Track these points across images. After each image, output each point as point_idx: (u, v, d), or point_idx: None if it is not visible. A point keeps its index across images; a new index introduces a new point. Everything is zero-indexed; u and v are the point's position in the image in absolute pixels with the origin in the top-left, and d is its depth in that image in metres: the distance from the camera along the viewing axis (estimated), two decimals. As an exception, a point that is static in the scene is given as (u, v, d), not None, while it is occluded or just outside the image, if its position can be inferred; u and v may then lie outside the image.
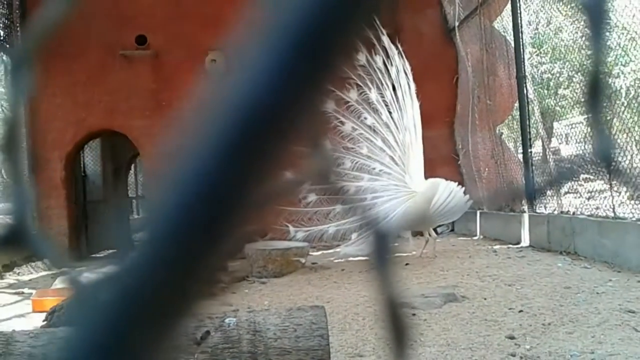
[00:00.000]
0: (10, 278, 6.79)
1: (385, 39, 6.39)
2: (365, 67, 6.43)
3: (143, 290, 0.29)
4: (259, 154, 0.29)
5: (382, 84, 6.48)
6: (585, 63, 5.80)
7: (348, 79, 6.38)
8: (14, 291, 5.89)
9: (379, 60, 6.46)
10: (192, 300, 0.30)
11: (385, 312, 0.31)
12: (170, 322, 0.30)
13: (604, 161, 0.39)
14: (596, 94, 0.36)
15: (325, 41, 0.28)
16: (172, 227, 0.29)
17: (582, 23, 5.41)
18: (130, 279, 0.30)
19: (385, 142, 6.48)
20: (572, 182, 6.07)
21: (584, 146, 7.13)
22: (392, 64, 6.45)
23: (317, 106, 0.29)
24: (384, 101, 6.50)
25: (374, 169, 6.53)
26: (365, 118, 6.53)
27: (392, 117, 6.45)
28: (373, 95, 6.50)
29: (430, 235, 6.40)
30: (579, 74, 6.96)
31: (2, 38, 8.02)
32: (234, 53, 0.29)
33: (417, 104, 6.46)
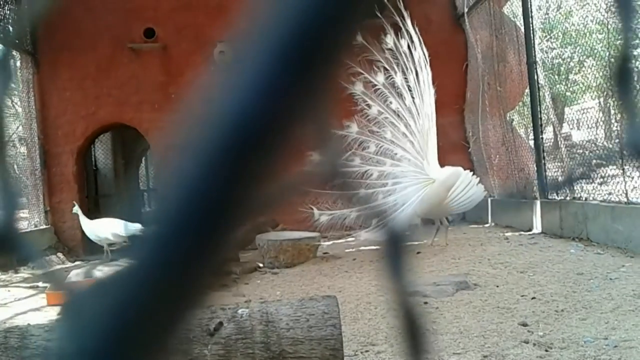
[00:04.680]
0: (24, 272, 6.86)
1: (409, 23, 6.35)
2: (392, 50, 6.40)
3: (152, 283, 0.29)
4: (262, 148, 0.29)
5: (407, 69, 6.43)
6: (612, 49, 5.63)
7: (376, 62, 6.36)
8: (28, 285, 5.95)
9: (404, 44, 6.42)
10: (201, 292, 0.30)
11: (398, 306, 0.30)
12: (180, 314, 0.30)
13: (636, 150, 0.38)
14: (625, 79, 0.35)
15: (326, 33, 0.27)
16: (179, 220, 0.29)
17: (613, 7, 5.29)
18: (139, 273, 0.30)
19: (407, 127, 6.44)
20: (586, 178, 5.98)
21: (596, 131, 7.06)
22: (415, 49, 6.41)
23: (322, 96, 0.29)
24: (408, 86, 6.46)
25: (395, 154, 6.50)
26: (391, 102, 6.50)
27: (414, 103, 6.42)
28: (398, 79, 6.45)
29: (441, 223, 6.39)
30: (590, 58, 6.87)
31: (10, 34, 8.04)
32: (239, 45, 0.29)
33: (432, 91, 6.43)
